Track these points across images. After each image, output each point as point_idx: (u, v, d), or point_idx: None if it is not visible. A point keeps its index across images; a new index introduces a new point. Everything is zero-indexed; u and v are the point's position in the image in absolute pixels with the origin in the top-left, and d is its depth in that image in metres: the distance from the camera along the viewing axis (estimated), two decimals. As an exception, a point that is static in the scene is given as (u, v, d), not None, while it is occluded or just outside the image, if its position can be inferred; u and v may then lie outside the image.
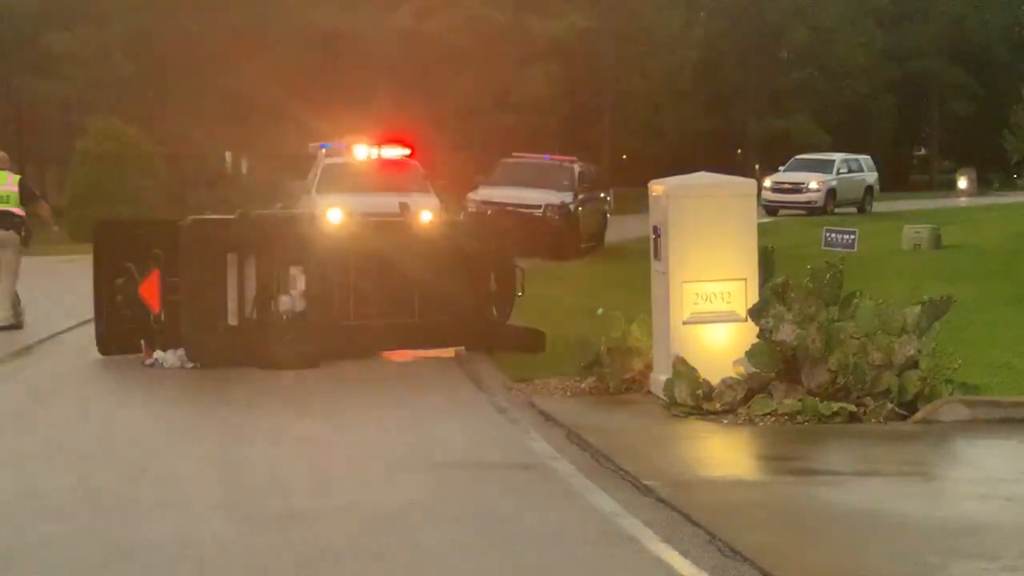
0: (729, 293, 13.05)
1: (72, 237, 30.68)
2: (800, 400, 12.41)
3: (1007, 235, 33.18)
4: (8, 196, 18.77)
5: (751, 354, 12.71)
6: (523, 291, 17.23)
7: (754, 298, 12.97)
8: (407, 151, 28.22)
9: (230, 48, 52.03)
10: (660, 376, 13.23)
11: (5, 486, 10.32)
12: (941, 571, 8.14)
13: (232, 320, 15.72)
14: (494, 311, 17.06)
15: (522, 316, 17.26)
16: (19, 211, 18.83)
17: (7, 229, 18.69)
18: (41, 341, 17.88)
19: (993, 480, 10.51)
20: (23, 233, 18.92)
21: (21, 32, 51.68)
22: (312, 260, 15.94)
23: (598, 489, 10.08)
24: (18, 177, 19.32)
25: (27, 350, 17.21)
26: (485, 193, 32.31)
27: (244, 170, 62.30)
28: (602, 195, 36.85)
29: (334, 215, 17.62)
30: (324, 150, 28.49)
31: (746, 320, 12.90)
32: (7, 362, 16.35)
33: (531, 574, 8.24)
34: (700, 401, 12.67)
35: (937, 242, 30.91)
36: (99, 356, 16.14)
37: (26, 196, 19.03)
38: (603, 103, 65.49)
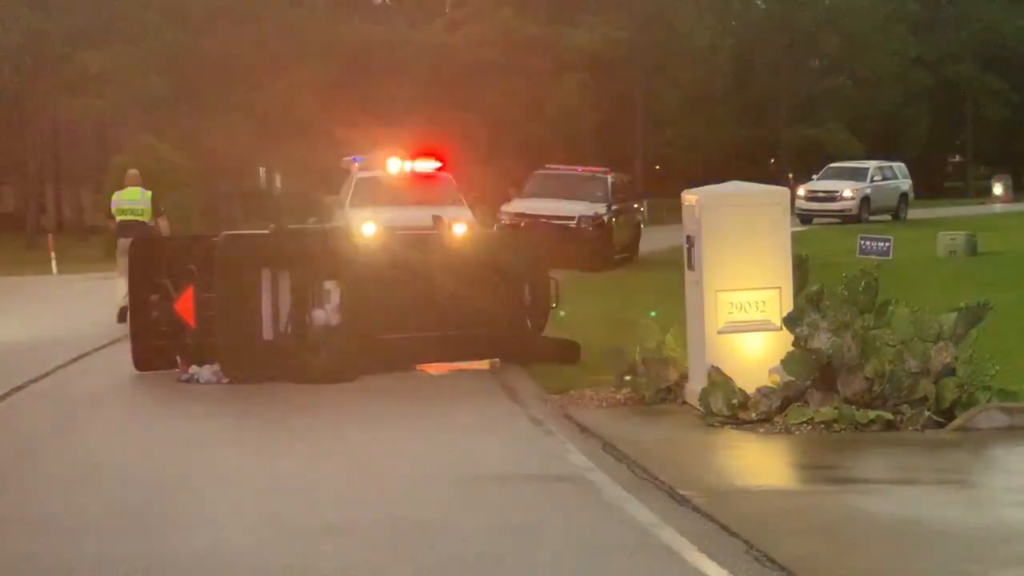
0: (763, 302, 13.03)
1: (107, 255, 30.74)
2: (836, 408, 12.37)
3: (1044, 241, 32.99)
4: (143, 211, 21.43)
5: (786, 362, 12.67)
6: (558, 302, 17.23)
7: (788, 307, 12.93)
8: (439, 164, 28.19)
9: (262, 63, 52.22)
10: (695, 386, 13.20)
11: (43, 502, 10.38)
12: (981, 579, 8.10)
13: (267, 335, 15.77)
14: (529, 323, 17.05)
15: (557, 327, 17.25)
16: (151, 223, 21.29)
17: None
18: (76, 359, 17.94)
19: (1032, 487, 10.45)
20: None
21: (56, 51, 51.98)
22: (346, 274, 15.97)
23: (634, 500, 10.07)
24: (149, 193, 21.72)
25: (63, 367, 17.27)
26: (519, 205, 32.29)
27: (278, 185, 62.53)
28: (635, 206, 36.82)
29: (368, 229, 17.61)
30: (357, 164, 28.51)
31: (781, 329, 12.87)
32: (43, 379, 16.42)
33: (568, 586, 8.24)
34: (736, 410, 12.64)
35: (973, 249, 30.71)
36: (135, 372, 16.21)
37: (153, 211, 21.51)
38: (635, 113, 65.46)
